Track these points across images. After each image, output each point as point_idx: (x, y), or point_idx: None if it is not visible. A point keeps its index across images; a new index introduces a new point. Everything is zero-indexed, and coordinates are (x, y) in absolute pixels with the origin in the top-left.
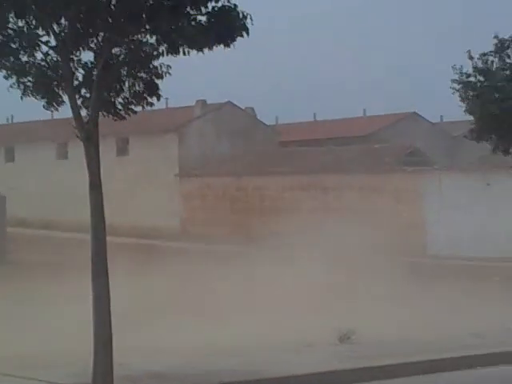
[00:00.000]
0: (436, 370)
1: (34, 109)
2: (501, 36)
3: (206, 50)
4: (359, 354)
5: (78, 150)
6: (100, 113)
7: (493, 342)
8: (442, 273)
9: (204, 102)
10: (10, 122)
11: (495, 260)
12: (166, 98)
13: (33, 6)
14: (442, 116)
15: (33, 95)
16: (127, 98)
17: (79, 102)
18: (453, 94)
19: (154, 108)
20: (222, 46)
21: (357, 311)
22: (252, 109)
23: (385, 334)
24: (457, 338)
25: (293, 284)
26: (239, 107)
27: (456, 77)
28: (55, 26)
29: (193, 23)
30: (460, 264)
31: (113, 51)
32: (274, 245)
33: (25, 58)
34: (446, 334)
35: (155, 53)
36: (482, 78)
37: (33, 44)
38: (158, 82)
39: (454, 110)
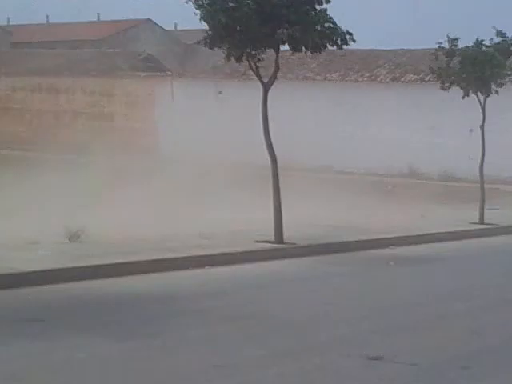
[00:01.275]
0: (159, 269)
1: None
2: None
3: None
4: (86, 253)
5: None
6: None
7: (219, 243)
8: (178, 174)
9: None
10: None
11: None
12: None
13: None
14: (176, 24)
15: None
16: None
17: None
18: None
19: None
20: None
21: (92, 211)
22: None
23: (119, 233)
24: (186, 238)
25: (32, 186)
26: None
27: None
28: None
29: None
30: (194, 168)
31: None
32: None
33: None
34: (178, 234)
35: None
36: None
37: None
38: None
39: (189, 18)
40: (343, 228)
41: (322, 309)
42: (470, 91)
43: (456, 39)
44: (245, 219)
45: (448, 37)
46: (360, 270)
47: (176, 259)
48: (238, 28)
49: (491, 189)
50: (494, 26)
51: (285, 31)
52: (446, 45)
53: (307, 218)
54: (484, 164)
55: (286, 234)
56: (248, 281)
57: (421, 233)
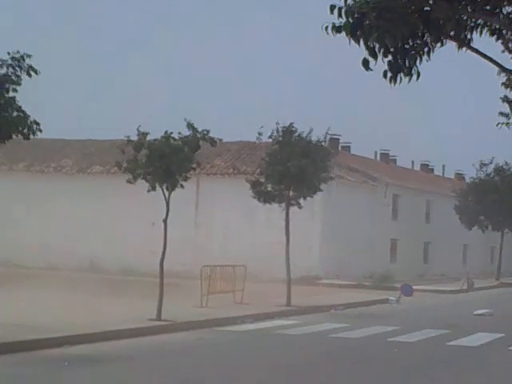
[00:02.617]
0: None
1: None
2: None
3: None
4: None
5: None
6: None
7: None
8: None
9: None
10: None
11: None
12: None
13: None
14: None
15: None
16: None
17: None
18: None
19: None
20: None
21: None
22: None
23: None
24: None
25: None
26: None
27: None
28: None
29: None
30: None
31: None
32: None
33: None
34: None
35: None
36: None
37: None
38: None
39: None
40: (17, 326)
41: None
42: (157, 184)
43: (146, 133)
44: None
45: (138, 130)
46: (32, 372)
47: None
48: None
49: (170, 283)
50: (185, 118)
51: None
52: (135, 137)
53: None
54: (165, 258)
55: None
56: None
57: (96, 330)
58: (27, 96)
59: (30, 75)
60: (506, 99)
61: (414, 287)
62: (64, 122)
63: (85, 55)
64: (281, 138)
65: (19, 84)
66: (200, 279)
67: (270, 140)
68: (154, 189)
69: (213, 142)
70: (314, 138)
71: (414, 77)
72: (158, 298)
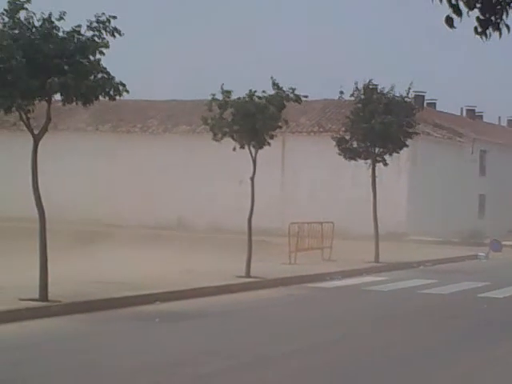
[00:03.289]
0: None
1: None
2: None
3: None
4: None
5: None
6: None
7: None
8: None
9: None
10: None
11: None
12: None
13: None
14: None
15: None
16: None
17: None
18: None
19: None
20: None
21: None
22: None
23: None
24: None
25: None
26: None
27: None
28: None
29: None
30: None
31: None
32: None
33: None
34: None
35: None
36: None
37: None
38: None
39: None
40: (111, 284)
41: (83, 373)
42: (244, 143)
43: (229, 91)
44: (11, 276)
45: (222, 88)
46: (125, 328)
47: None
48: (8, 78)
49: (258, 241)
50: (271, 77)
51: (56, 80)
52: (220, 96)
53: (77, 273)
54: (252, 216)
55: (54, 290)
56: (5, 342)
57: (187, 287)
58: (113, 58)
59: (114, 36)
60: None
61: (503, 243)
62: (148, 83)
63: (168, 14)
64: (363, 96)
65: (107, 46)
66: (288, 236)
67: (353, 98)
68: (242, 147)
69: (298, 99)
70: (397, 95)
71: (505, 31)
72: (247, 255)
